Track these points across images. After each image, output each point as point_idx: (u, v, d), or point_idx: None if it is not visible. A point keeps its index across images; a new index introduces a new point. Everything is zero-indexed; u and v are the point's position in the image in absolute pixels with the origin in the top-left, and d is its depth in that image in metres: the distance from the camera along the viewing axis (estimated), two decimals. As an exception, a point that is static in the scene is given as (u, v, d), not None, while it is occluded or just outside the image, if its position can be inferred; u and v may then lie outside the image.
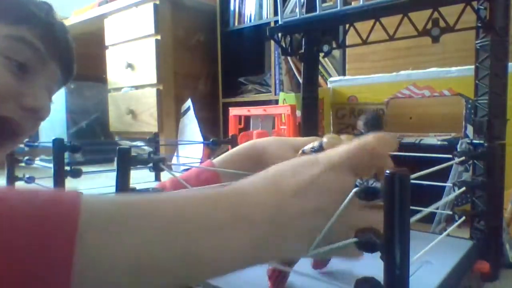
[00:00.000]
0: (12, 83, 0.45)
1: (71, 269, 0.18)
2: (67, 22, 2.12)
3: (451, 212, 0.51)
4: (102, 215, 0.20)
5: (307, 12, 0.65)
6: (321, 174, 0.25)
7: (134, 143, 1.50)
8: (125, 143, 1.72)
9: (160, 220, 0.21)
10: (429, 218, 0.63)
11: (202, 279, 0.22)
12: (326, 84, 1.10)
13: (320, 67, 1.49)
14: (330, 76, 1.54)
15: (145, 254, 0.20)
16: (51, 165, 0.68)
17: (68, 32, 0.54)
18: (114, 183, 0.42)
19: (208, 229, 0.21)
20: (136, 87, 1.82)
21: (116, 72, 1.90)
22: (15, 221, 0.18)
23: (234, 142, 0.91)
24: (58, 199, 0.19)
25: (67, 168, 0.69)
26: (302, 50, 0.68)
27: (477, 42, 0.49)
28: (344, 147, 0.26)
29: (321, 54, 0.66)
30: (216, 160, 0.48)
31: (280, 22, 0.66)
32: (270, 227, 0.23)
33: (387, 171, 0.21)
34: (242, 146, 0.49)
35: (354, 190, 0.24)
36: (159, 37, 1.70)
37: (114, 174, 0.42)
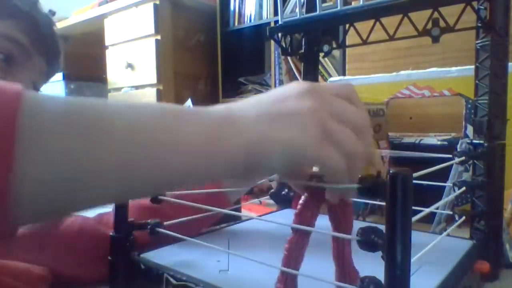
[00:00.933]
0: None
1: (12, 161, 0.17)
2: (67, 22, 2.12)
3: (451, 212, 0.51)
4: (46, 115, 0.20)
5: (307, 12, 0.65)
6: (277, 92, 0.27)
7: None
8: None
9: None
10: (429, 218, 0.63)
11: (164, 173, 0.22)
12: (326, 84, 1.10)
13: (320, 67, 1.49)
14: (330, 76, 1.54)
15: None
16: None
17: (53, 25, 0.54)
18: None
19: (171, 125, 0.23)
20: (136, 87, 1.82)
21: (116, 72, 1.90)
22: None
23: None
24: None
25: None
26: (302, 50, 0.68)
27: (477, 42, 0.49)
28: None
29: (321, 54, 0.66)
30: None
31: (280, 22, 0.66)
32: (223, 121, 0.25)
33: (390, 171, 0.21)
34: None
35: (356, 186, 0.24)
36: (159, 37, 1.70)
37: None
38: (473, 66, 0.50)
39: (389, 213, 0.21)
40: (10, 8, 0.48)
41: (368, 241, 0.22)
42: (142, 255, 0.42)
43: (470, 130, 0.69)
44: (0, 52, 0.46)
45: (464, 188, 0.47)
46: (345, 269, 0.33)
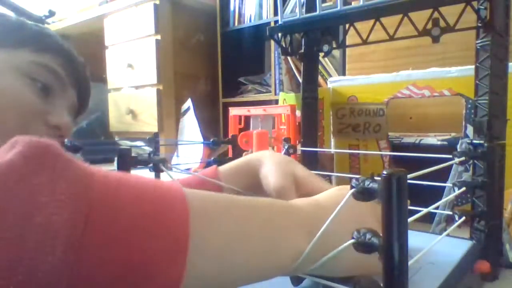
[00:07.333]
0: (38, 101, 0.48)
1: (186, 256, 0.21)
2: (67, 22, 2.12)
3: (451, 212, 0.51)
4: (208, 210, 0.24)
5: (307, 12, 0.65)
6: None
7: (134, 143, 1.50)
8: (125, 143, 1.72)
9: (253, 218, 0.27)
10: (429, 218, 0.63)
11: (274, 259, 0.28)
12: (326, 84, 1.10)
13: (320, 67, 1.49)
14: (330, 76, 1.54)
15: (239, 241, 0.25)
16: (51, 165, 0.68)
17: (86, 67, 0.58)
18: (113, 183, 0.42)
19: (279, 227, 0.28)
20: (136, 87, 1.82)
21: (116, 72, 1.90)
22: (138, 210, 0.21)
23: (234, 142, 0.91)
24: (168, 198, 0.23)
25: (67, 168, 0.69)
26: (302, 50, 0.68)
27: (477, 42, 0.49)
28: None
29: (321, 54, 0.66)
30: (221, 168, 0.50)
31: (280, 22, 0.66)
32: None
33: (384, 171, 0.21)
34: (241, 161, 0.52)
35: (351, 191, 0.23)
36: (159, 37, 1.70)
37: (114, 174, 0.42)
38: (473, 66, 0.50)
39: (384, 214, 0.21)
40: (50, 43, 0.52)
41: (364, 243, 0.22)
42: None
43: (470, 130, 0.69)
44: (39, 81, 0.49)
45: (464, 188, 0.47)
46: None
